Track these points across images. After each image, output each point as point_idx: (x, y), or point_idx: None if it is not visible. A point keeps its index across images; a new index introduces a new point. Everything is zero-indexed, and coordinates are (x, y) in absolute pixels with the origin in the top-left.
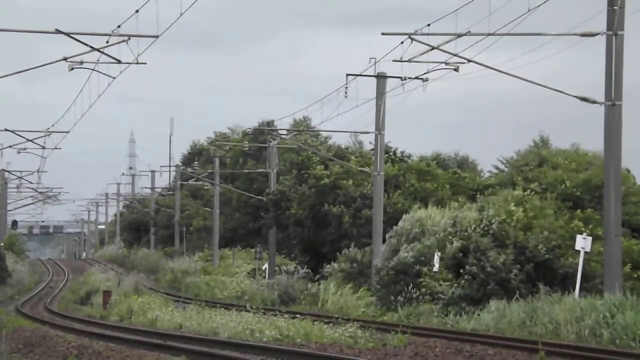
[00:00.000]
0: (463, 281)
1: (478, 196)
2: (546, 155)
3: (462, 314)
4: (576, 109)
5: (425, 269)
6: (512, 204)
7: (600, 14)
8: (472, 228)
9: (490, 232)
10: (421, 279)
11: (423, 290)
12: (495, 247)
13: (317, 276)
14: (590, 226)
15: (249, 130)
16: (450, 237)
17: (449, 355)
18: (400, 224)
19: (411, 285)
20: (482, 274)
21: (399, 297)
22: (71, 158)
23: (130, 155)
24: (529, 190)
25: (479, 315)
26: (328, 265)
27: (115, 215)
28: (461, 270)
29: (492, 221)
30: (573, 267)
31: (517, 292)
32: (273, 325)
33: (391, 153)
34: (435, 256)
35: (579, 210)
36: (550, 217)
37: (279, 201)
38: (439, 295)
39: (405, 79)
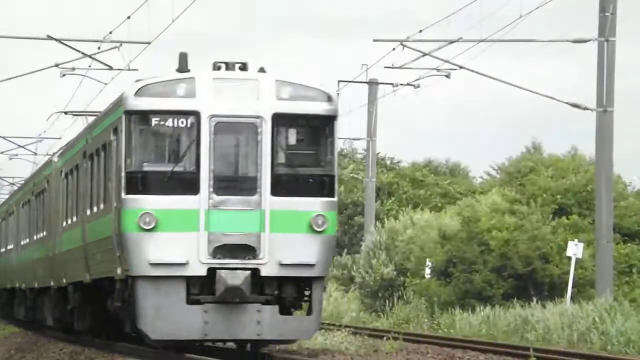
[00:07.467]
0: (451, 287)
1: (463, 204)
2: (536, 162)
3: (452, 315)
4: (569, 114)
5: (410, 275)
6: (499, 210)
7: (590, 21)
8: (458, 238)
9: (476, 240)
10: (412, 283)
11: (412, 294)
12: (481, 253)
13: None
14: (571, 232)
15: None
16: (437, 248)
17: None
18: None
19: (398, 294)
20: (468, 283)
21: (387, 303)
22: None
23: None
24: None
25: (467, 317)
26: None
27: None
28: (447, 279)
29: (478, 231)
30: (560, 275)
31: (506, 300)
32: None
33: (383, 163)
34: (427, 262)
35: (564, 217)
36: (536, 223)
37: None
38: (430, 299)
39: (396, 86)
